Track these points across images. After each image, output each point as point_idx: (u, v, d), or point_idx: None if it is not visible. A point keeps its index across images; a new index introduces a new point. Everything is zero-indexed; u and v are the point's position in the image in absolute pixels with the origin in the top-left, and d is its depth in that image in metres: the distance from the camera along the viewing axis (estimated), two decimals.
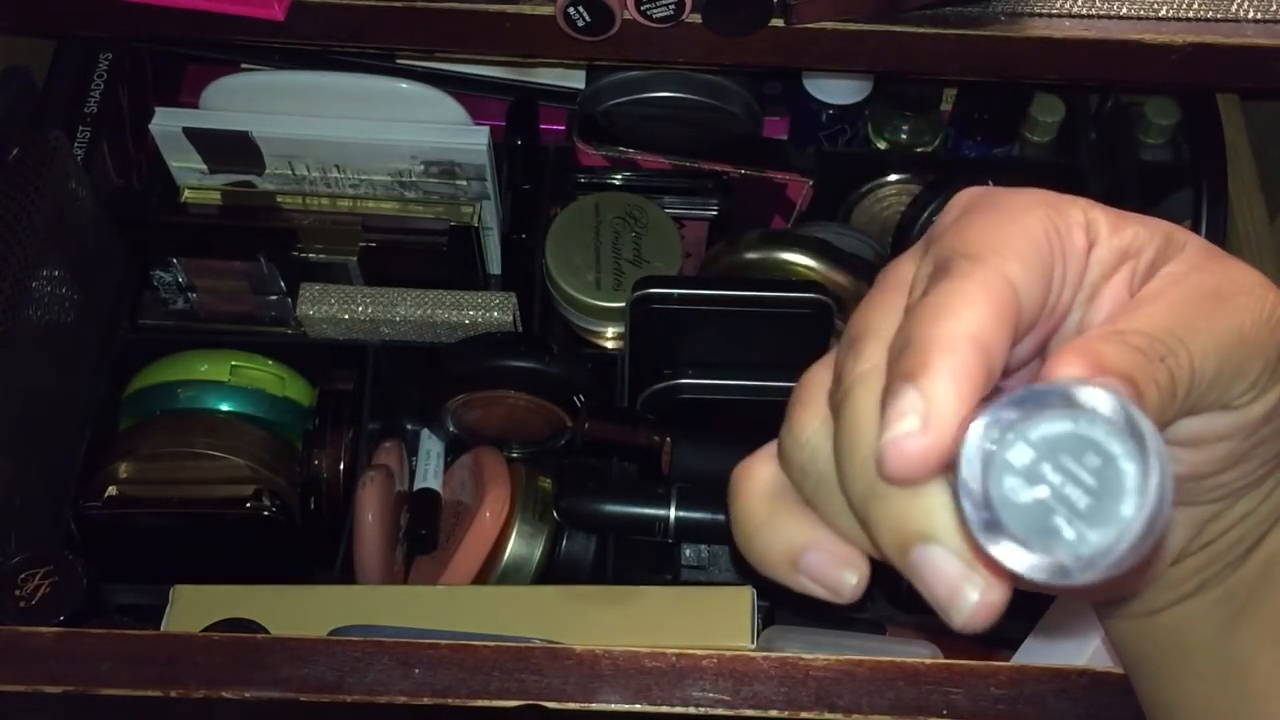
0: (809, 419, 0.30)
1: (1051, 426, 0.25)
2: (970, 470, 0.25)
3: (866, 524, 0.28)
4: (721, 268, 0.81)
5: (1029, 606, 0.58)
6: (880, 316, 0.29)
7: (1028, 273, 0.28)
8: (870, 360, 0.28)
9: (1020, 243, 0.29)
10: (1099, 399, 0.25)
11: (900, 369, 0.27)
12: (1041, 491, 0.25)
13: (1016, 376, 0.32)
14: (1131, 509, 0.25)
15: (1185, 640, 0.37)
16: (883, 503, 0.27)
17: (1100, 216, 0.30)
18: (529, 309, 0.83)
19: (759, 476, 0.32)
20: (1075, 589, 0.25)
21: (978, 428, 0.25)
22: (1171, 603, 0.36)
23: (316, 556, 0.77)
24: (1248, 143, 0.85)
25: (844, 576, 0.30)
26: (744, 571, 0.71)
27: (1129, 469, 0.25)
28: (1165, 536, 0.35)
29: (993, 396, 0.27)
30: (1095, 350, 0.27)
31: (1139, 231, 0.30)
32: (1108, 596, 0.38)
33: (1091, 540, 0.25)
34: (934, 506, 0.27)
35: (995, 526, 0.25)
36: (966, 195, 0.32)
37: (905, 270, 0.31)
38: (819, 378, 0.31)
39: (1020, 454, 0.25)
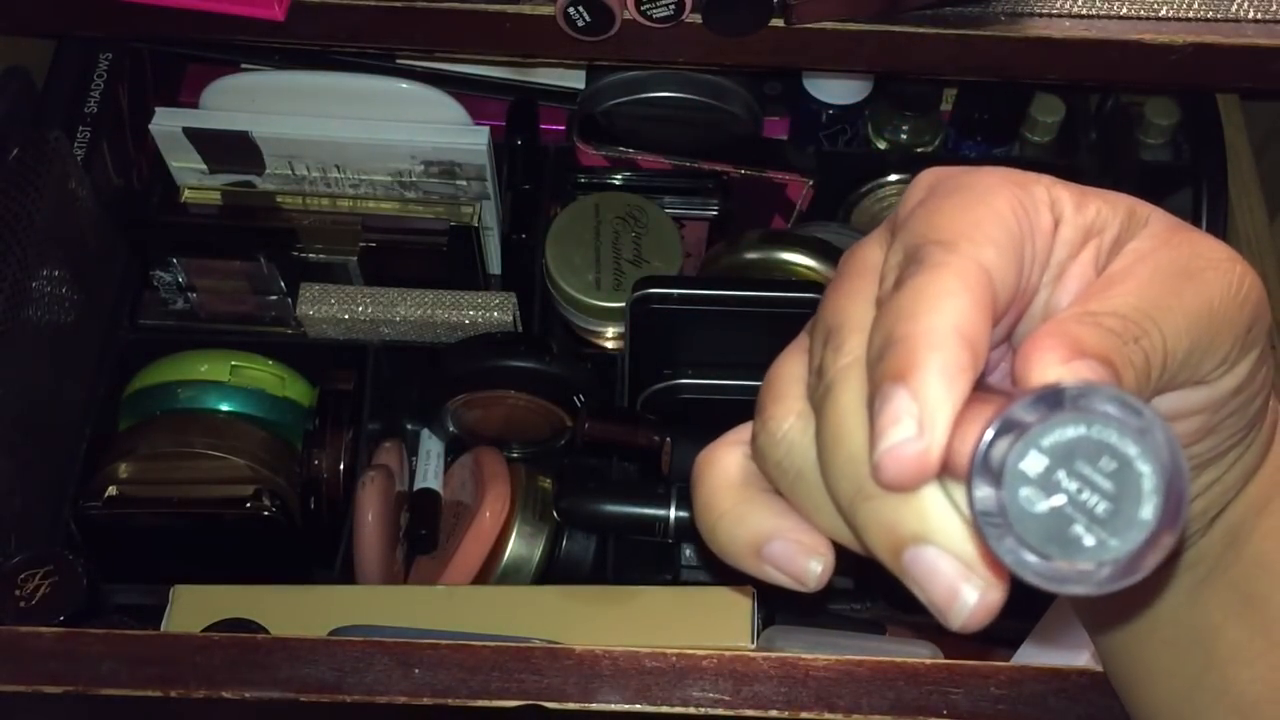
0: (784, 413, 0.29)
1: (1064, 432, 0.24)
2: (982, 483, 0.25)
3: (854, 524, 0.27)
4: (721, 268, 0.81)
5: (1029, 606, 0.58)
6: (854, 306, 0.29)
7: (1001, 257, 0.28)
8: (851, 354, 0.28)
9: (991, 226, 0.28)
10: (1108, 400, 0.24)
11: (886, 369, 0.26)
12: (1058, 500, 0.24)
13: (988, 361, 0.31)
14: (1151, 512, 0.24)
15: (1152, 609, 0.37)
16: (872, 503, 0.27)
17: (1064, 194, 0.30)
18: (529, 309, 0.83)
19: (722, 465, 0.32)
20: (1097, 596, 0.24)
21: (986, 438, 0.25)
22: None
23: (316, 556, 0.77)
24: (1248, 143, 0.85)
25: (809, 566, 0.30)
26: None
27: (1145, 470, 0.24)
28: (1184, 538, 0.35)
29: (991, 400, 0.26)
30: (1071, 334, 0.26)
31: (1102, 208, 0.30)
32: (1124, 612, 0.38)
33: (1113, 547, 0.24)
34: (927, 507, 0.26)
35: (1012, 539, 0.24)
36: (930, 175, 0.31)
37: (872, 254, 0.30)
38: (790, 369, 0.30)
39: (1034, 463, 0.24)
